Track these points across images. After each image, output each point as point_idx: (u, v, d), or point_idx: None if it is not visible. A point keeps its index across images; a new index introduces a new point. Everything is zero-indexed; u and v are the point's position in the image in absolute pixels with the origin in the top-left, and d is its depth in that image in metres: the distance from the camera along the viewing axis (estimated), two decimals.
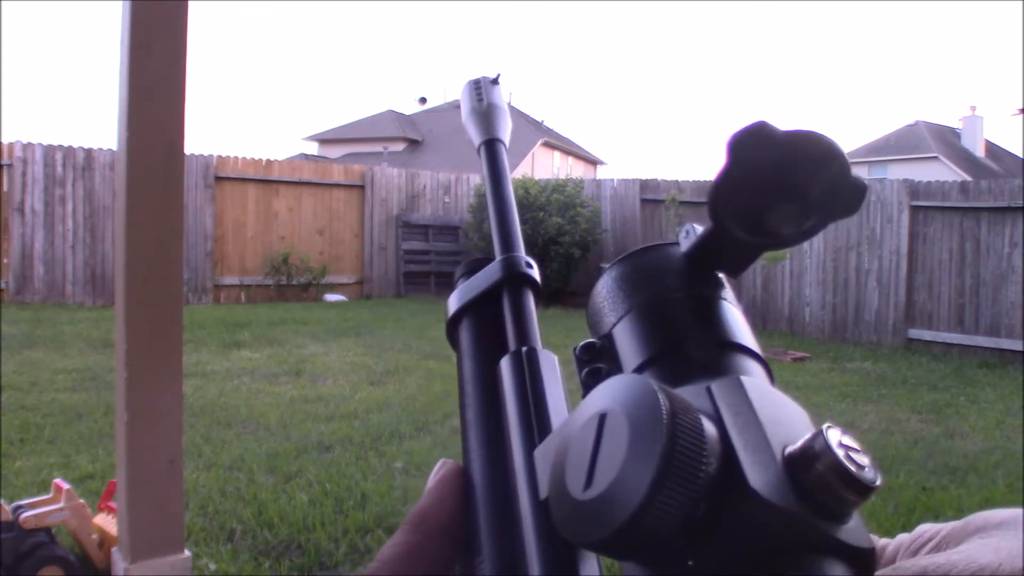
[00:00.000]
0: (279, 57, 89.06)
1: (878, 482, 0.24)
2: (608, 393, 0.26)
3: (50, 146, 10.22)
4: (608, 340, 0.34)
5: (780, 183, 0.28)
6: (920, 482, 4.19)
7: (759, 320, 10.33)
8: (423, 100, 37.26)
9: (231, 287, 11.57)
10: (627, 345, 0.32)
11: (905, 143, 33.02)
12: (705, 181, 11.26)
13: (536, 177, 13.23)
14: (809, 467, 0.23)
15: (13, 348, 6.91)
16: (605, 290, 0.35)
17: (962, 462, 4.60)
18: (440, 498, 0.34)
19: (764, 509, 0.23)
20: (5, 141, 9.96)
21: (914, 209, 9.10)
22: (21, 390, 5.54)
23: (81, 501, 2.95)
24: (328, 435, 4.72)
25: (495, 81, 0.53)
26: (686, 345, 0.31)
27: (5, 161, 9.91)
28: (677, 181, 11.35)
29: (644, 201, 11.72)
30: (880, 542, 0.33)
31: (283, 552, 3.15)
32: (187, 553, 2.42)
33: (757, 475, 0.23)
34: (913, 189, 9.15)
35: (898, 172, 25.06)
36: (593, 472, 0.24)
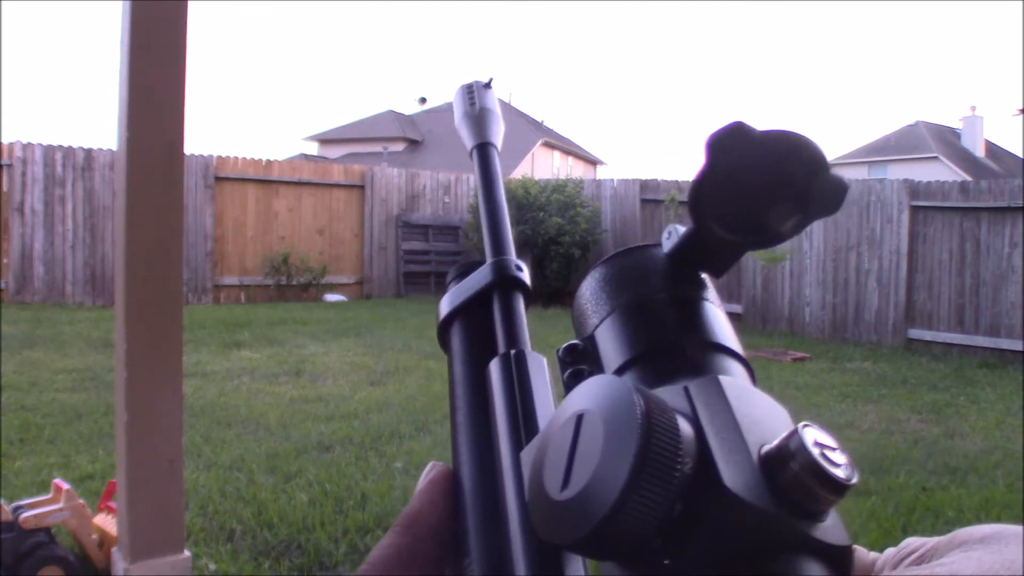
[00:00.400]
0: (279, 57, 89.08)
1: (854, 480, 0.24)
2: (585, 394, 0.26)
3: (50, 146, 10.22)
4: (591, 342, 0.34)
5: (760, 183, 0.28)
6: (920, 482, 4.19)
7: (759, 320, 10.33)
8: (423, 100, 37.26)
9: (231, 287, 11.57)
10: (609, 346, 0.32)
11: (905, 143, 33.02)
12: None
13: (536, 177, 13.22)
14: (784, 466, 0.24)
15: (13, 348, 6.91)
16: (588, 292, 0.35)
17: (962, 462, 4.60)
18: (430, 500, 0.34)
19: (740, 509, 0.23)
20: (5, 141, 9.97)
21: (914, 209, 9.10)
22: (21, 390, 5.54)
23: (81, 501, 2.95)
24: (328, 435, 4.72)
25: (488, 85, 0.53)
26: (667, 346, 0.31)
27: (5, 161, 9.91)
28: (677, 181, 11.35)
29: (644, 201, 11.72)
30: (870, 556, 0.33)
31: (283, 552, 3.15)
32: (187, 553, 2.42)
33: (733, 475, 0.23)
34: (913, 189, 9.15)
35: (898, 172, 25.06)
36: (570, 473, 0.24)
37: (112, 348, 2.55)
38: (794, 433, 0.24)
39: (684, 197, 10.78)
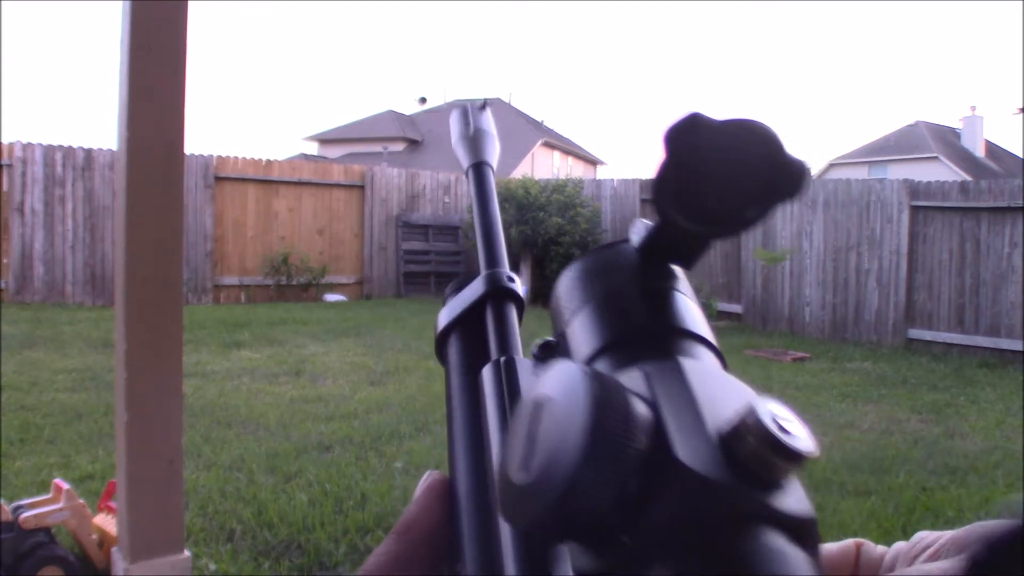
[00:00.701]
0: (279, 57, 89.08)
1: (811, 450, 0.24)
2: (544, 381, 0.27)
3: (50, 146, 10.22)
4: (563, 338, 0.35)
5: (720, 171, 0.29)
6: (920, 482, 4.19)
7: (759, 320, 10.32)
8: (423, 100, 37.27)
9: (231, 287, 11.57)
10: (579, 339, 0.33)
11: (905, 143, 33.02)
12: None
13: (536, 177, 13.22)
14: (741, 439, 0.24)
15: (13, 348, 6.91)
16: (562, 290, 0.36)
17: (962, 462, 4.60)
18: (425, 507, 0.35)
19: (694, 481, 0.23)
20: (5, 141, 9.96)
21: (914, 209, 9.09)
22: (21, 390, 5.54)
23: (81, 501, 2.95)
24: (328, 435, 4.72)
25: (483, 107, 0.56)
26: (633, 334, 0.32)
27: (5, 161, 9.91)
28: None
29: (644, 201, 11.72)
30: (878, 550, 0.33)
31: (283, 552, 3.15)
32: (187, 553, 2.42)
33: (687, 450, 0.24)
34: (913, 189, 9.15)
35: (898, 172, 25.06)
36: (528, 457, 0.25)
37: (112, 348, 2.55)
38: (750, 407, 0.24)
39: None
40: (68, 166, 10.31)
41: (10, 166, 9.94)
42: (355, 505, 3.60)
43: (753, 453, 0.24)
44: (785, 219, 10.09)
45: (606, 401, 0.24)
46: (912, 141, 32.97)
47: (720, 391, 0.27)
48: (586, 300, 0.34)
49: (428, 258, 13.10)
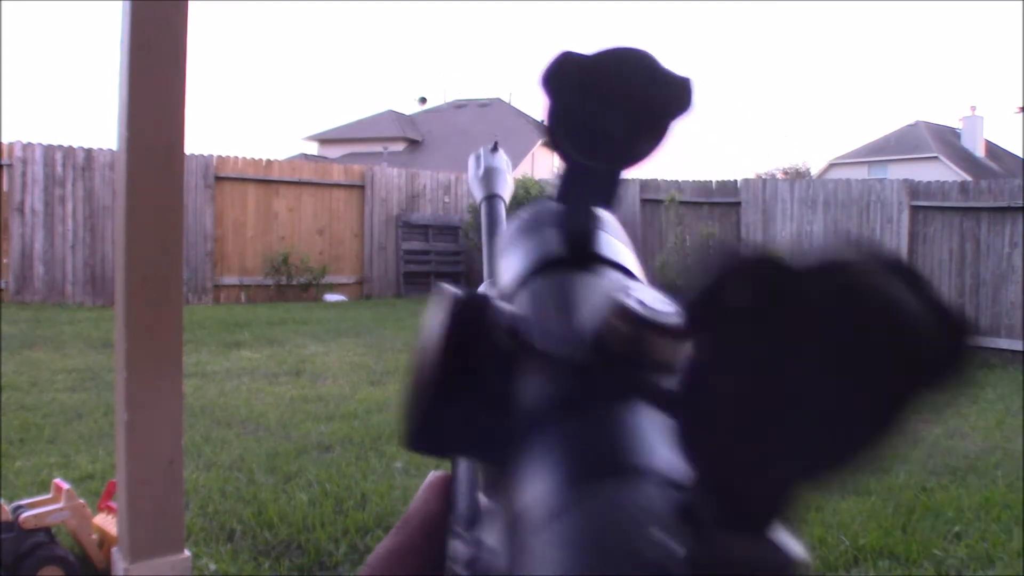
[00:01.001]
0: (279, 57, 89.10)
1: (670, 321, 0.24)
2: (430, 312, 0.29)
3: (50, 146, 10.22)
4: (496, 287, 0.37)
5: (605, 103, 0.29)
6: (920, 482, 4.19)
7: None
8: (423, 100, 37.25)
9: (231, 287, 11.56)
10: (502, 282, 0.35)
11: (905, 143, 33.02)
12: (705, 181, 11.26)
13: (536, 177, 13.22)
14: (606, 322, 0.25)
15: (13, 348, 6.91)
16: (499, 249, 0.39)
17: (962, 462, 4.60)
18: (424, 502, 0.36)
19: (556, 366, 0.24)
20: (5, 141, 9.96)
21: (914, 209, 9.10)
22: (21, 390, 5.54)
23: (81, 501, 2.95)
24: (328, 435, 4.72)
25: (494, 149, 0.63)
26: (538, 263, 0.33)
27: (5, 161, 9.90)
28: (677, 181, 11.35)
29: (644, 201, 11.70)
30: None
31: (283, 552, 3.15)
32: (187, 553, 2.42)
33: (550, 342, 0.25)
34: (913, 189, 9.15)
35: (898, 172, 25.04)
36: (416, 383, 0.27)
37: (112, 348, 2.55)
38: (614, 293, 0.25)
39: (684, 197, 10.78)
40: (68, 166, 10.30)
41: (10, 166, 9.94)
42: (355, 505, 3.60)
43: (618, 332, 0.24)
44: (785, 219, 10.09)
45: (461, 312, 0.25)
46: (912, 141, 32.98)
47: (600, 292, 0.28)
48: (507, 247, 0.36)
49: (428, 258, 13.10)
